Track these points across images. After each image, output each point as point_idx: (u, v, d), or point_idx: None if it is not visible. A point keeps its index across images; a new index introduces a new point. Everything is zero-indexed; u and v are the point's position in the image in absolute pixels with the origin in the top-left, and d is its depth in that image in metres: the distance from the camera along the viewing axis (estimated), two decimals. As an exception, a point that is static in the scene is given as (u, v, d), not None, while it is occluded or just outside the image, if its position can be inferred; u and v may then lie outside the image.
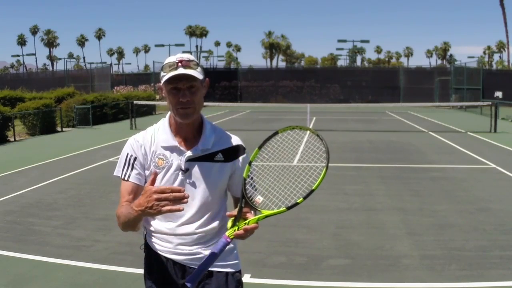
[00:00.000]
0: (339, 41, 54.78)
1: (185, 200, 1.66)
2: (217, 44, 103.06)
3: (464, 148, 12.49)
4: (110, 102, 22.43)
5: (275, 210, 1.86)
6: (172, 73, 1.87)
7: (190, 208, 1.98)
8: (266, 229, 5.62)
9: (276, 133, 2.01)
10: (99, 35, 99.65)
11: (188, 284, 1.80)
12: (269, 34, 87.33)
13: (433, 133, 16.31)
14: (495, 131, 16.26)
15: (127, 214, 1.80)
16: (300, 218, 6.20)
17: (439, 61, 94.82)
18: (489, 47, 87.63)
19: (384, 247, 5.08)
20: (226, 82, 39.25)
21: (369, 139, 14.77)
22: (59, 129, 18.46)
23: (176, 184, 1.96)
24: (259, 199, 1.91)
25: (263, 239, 5.32)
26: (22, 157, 11.73)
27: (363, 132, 16.83)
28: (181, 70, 1.87)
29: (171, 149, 1.98)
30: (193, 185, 1.98)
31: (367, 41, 56.96)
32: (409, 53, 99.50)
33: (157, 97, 28.02)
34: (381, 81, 38.09)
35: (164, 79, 1.90)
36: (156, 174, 1.83)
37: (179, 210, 1.68)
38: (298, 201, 1.86)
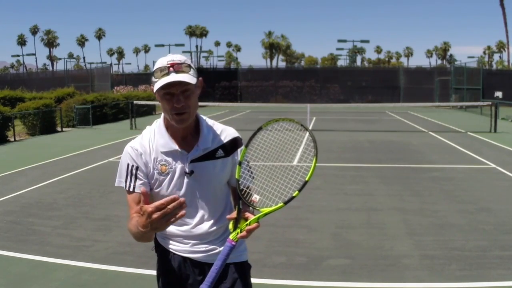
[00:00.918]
0: (339, 41, 54.80)
1: (184, 205, 1.63)
2: (217, 44, 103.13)
3: (464, 148, 12.49)
4: (110, 102, 22.43)
5: (274, 207, 1.86)
6: (164, 80, 1.80)
7: (201, 208, 1.99)
8: (266, 229, 5.61)
9: (260, 129, 1.96)
10: (99, 35, 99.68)
11: None
12: (269, 34, 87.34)
13: (433, 133, 16.31)
14: (495, 131, 16.26)
15: (138, 232, 1.74)
16: (300, 218, 6.20)
17: (439, 61, 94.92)
18: (489, 47, 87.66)
19: (384, 247, 5.08)
20: (226, 82, 39.25)
21: (369, 139, 14.77)
22: (59, 129, 18.46)
23: (184, 188, 1.95)
24: (255, 198, 1.91)
25: (263, 239, 5.32)
26: (22, 157, 11.73)
27: (363, 132, 16.83)
28: (173, 77, 1.80)
29: (172, 153, 1.95)
30: (200, 185, 1.97)
31: (367, 41, 56.99)
32: (409, 53, 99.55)
33: (157, 97, 28.02)
34: (381, 81, 38.09)
35: (156, 87, 1.84)
36: (147, 195, 1.70)
37: (183, 216, 1.64)
38: (294, 194, 1.87)
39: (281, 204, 1.85)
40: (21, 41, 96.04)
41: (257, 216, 1.85)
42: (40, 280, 4.30)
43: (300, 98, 36.14)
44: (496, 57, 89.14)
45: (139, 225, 1.69)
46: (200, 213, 2.00)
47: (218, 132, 2.03)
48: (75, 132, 17.85)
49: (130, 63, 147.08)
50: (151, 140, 1.97)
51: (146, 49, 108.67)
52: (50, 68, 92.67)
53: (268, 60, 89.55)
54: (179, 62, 1.84)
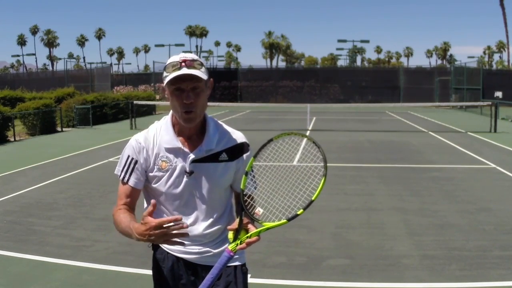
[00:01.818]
0: (339, 41, 54.85)
1: (185, 225, 1.67)
2: (217, 44, 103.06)
3: (464, 148, 12.49)
4: (110, 102, 22.42)
5: (276, 223, 1.84)
6: (175, 73, 1.81)
7: (197, 210, 1.98)
8: (266, 229, 5.61)
9: (270, 140, 1.93)
10: (99, 35, 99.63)
11: None
12: (269, 34, 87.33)
13: (433, 133, 16.31)
14: (495, 131, 16.26)
15: (128, 231, 1.81)
16: (300, 218, 6.15)
17: (439, 61, 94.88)
18: (489, 47, 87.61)
19: (384, 247, 5.08)
20: (226, 82, 39.25)
21: (369, 139, 14.77)
22: (59, 129, 18.45)
23: (182, 187, 1.95)
24: (259, 211, 1.87)
25: (263, 239, 5.28)
26: (22, 157, 11.73)
27: (363, 132, 16.83)
28: (184, 70, 1.81)
29: (175, 151, 1.94)
30: (199, 186, 1.96)
31: (367, 41, 57.04)
32: (409, 53, 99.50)
33: (157, 97, 28.03)
34: (381, 81, 38.08)
35: (167, 79, 1.84)
36: (155, 206, 1.72)
37: (185, 236, 1.68)
38: (298, 212, 1.85)
39: (284, 220, 1.83)
40: (21, 41, 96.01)
41: (258, 229, 1.82)
42: (40, 280, 4.30)
43: (300, 98, 36.11)
44: (496, 57, 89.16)
45: (135, 231, 1.72)
46: (196, 214, 1.98)
47: (225, 135, 2.00)
48: (75, 132, 17.85)
49: (130, 63, 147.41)
50: (156, 135, 1.97)
51: (146, 49, 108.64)
52: (50, 68, 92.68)
53: (268, 60, 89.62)
54: (192, 59, 1.86)
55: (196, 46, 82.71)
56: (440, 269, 4.47)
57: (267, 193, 1.97)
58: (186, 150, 1.94)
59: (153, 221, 1.65)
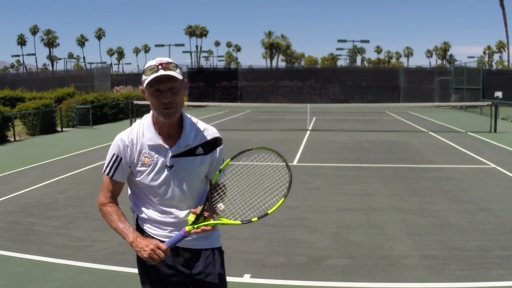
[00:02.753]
0: (339, 41, 54.83)
1: (165, 256, 2.03)
2: (217, 44, 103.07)
3: (464, 148, 12.49)
4: (110, 102, 22.43)
5: (231, 221, 2.09)
6: (153, 75, 2.02)
7: (178, 199, 2.19)
8: (266, 229, 5.62)
9: (250, 149, 2.14)
10: (99, 35, 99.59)
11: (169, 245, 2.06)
12: (269, 34, 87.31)
13: (433, 133, 16.31)
14: (495, 131, 16.26)
15: (120, 230, 2.12)
16: (300, 218, 6.20)
17: (439, 61, 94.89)
18: (489, 47, 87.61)
19: (384, 247, 5.08)
20: (226, 82, 39.22)
21: (369, 139, 14.77)
22: (59, 129, 18.46)
23: (161, 179, 2.15)
24: (220, 206, 2.12)
25: (263, 239, 5.33)
26: (22, 157, 11.73)
27: (363, 132, 16.83)
28: (161, 72, 2.01)
29: (156, 147, 2.15)
30: (178, 179, 2.16)
31: (367, 41, 57.01)
32: (409, 53, 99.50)
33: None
34: (381, 81, 38.06)
35: (146, 81, 2.04)
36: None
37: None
38: (253, 219, 2.08)
39: (239, 222, 2.09)
40: (21, 41, 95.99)
41: (215, 222, 2.08)
42: (40, 280, 4.30)
43: (300, 98, 36.10)
44: (496, 57, 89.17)
45: (134, 242, 2.06)
46: (176, 203, 2.19)
47: (200, 130, 2.22)
48: (75, 132, 17.85)
49: (130, 63, 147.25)
50: (139, 133, 2.19)
51: (146, 49, 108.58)
52: (50, 68, 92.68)
53: (268, 60, 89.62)
54: (167, 62, 2.07)
55: (196, 46, 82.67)
56: (440, 269, 4.47)
57: (233, 194, 2.23)
58: (166, 146, 2.14)
59: (161, 245, 2.04)
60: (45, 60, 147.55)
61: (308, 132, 16.98)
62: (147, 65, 2.08)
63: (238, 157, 2.13)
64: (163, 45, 58.74)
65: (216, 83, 38.31)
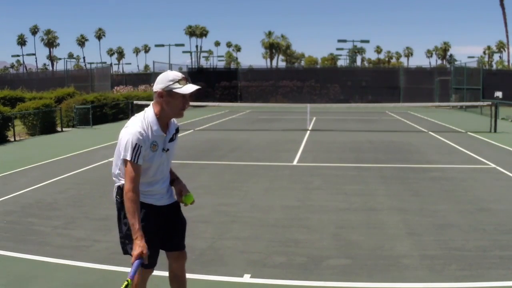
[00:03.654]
0: (339, 41, 54.70)
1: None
2: (217, 44, 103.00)
3: (464, 148, 12.49)
4: (110, 102, 22.40)
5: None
6: (193, 88, 2.79)
7: (166, 172, 3.02)
8: (266, 229, 5.62)
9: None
10: (99, 35, 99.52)
11: None
12: (269, 34, 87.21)
13: (433, 133, 16.31)
14: (495, 131, 16.26)
15: (136, 219, 2.76)
16: (300, 218, 6.20)
17: (439, 61, 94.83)
18: (489, 47, 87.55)
19: (384, 247, 5.08)
20: (226, 82, 39.20)
21: (369, 139, 14.77)
22: (59, 129, 18.45)
23: (161, 159, 2.91)
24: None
25: (263, 239, 5.32)
26: (22, 157, 11.73)
27: (363, 132, 16.83)
28: (194, 86, 2.83)
29: (160, 137, 2.88)
30: (168, 157, 2.99)
31: (367, 41, 56.92)
32: (409, 53, 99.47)
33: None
34: (381, 81, 38.04)
35: (187, 91, 2.77)
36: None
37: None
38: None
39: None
40: (21, 41, 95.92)
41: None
42: (40, 280, 4.30)
43: (300, 98, 36.05)
44: (496, 57, 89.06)
45: (136, 235, 2.76)
46: (166, 176, 3.04)
47: (174, 122, 3.03)
48: (75, 132, 17.85)
49: (130, 63, 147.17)
50: (148, 128, 2.83)
51: (146, 49, 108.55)
52: (50, 68, 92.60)
53: (268, 60, 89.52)
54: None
55: (196, 46, 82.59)
56: (440, 269, 4.47)
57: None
58: (164, 135, 2.90)
59: (145, 252, 2.76)
60: (45, 60, 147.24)
61: (308, 132, 16.98)
62: (175, 76, 2.79)
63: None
64: (163, 45, 58.55)
65: (216, 83, 38.27)
